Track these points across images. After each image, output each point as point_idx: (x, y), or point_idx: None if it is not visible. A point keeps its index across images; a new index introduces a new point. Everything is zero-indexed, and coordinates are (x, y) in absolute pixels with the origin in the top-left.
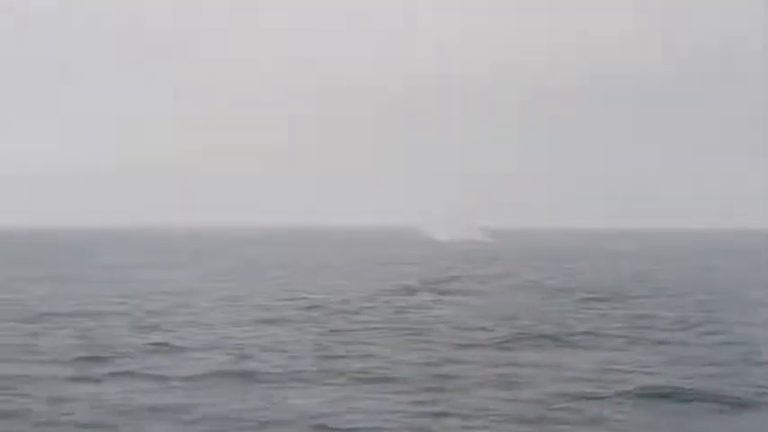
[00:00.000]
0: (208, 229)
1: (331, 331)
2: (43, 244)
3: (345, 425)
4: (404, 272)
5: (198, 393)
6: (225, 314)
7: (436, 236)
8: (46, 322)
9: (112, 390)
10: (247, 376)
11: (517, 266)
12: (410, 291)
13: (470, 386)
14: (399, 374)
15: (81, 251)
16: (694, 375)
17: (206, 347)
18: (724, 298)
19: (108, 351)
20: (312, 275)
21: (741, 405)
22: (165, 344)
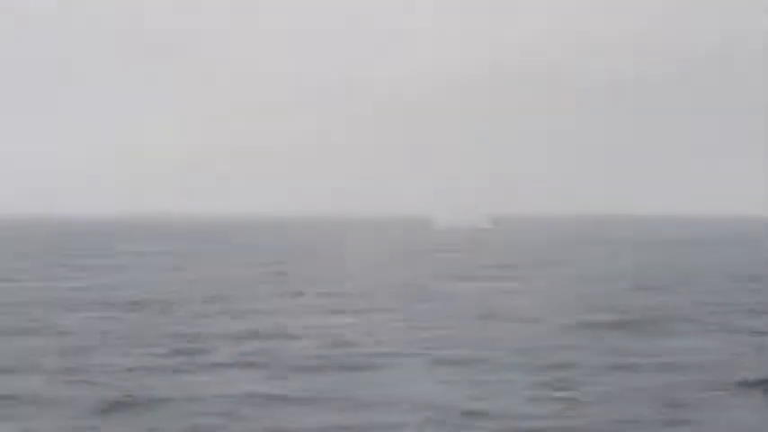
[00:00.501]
0: (207, 222)
1: (403, 319)
2: (43, 236)
3: (477, 409)
4: (425, 260)
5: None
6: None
7: (442, 224)
8: (107, 311)
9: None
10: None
11: (535, 253)
12: (449, 278)
13: (582, 374)
14: (506, 361)
15: (84, 243)
16: None
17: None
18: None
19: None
20: (336, 265)
21: None
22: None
